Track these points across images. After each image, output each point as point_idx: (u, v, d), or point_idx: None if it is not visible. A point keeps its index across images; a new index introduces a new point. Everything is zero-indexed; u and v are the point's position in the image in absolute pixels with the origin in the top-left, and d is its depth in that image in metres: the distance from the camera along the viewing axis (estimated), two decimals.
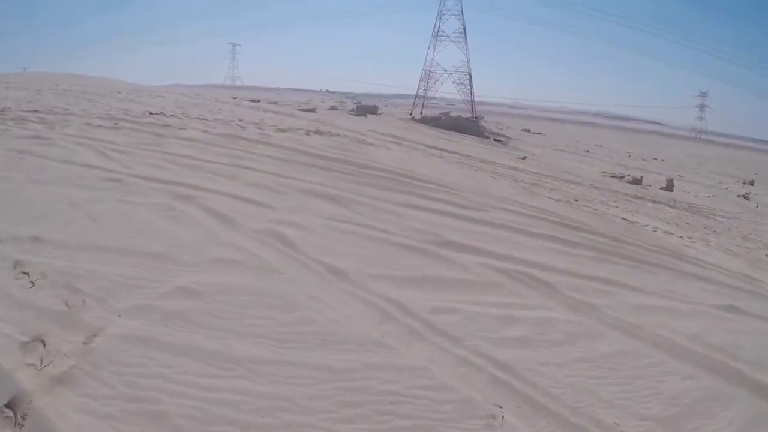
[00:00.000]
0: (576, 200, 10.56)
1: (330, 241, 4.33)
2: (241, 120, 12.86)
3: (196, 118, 12.38)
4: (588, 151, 29.51)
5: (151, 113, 12.47)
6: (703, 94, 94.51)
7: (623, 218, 9.44)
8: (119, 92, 19.21)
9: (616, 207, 11.05)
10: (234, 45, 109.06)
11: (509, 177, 12.53)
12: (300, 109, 23.31)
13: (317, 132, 12.59)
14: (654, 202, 13.48)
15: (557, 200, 9.86)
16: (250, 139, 9.40)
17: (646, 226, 9.25)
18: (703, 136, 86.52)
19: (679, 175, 22.71)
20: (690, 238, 9.15)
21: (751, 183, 24.43)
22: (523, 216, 6.92)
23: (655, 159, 31.13)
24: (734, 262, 7.89)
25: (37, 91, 17.78)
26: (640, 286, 4.82)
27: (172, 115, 12.32)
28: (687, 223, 11.00)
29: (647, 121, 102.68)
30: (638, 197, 13.71)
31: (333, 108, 29.91)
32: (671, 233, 9.13)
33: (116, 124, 10.38)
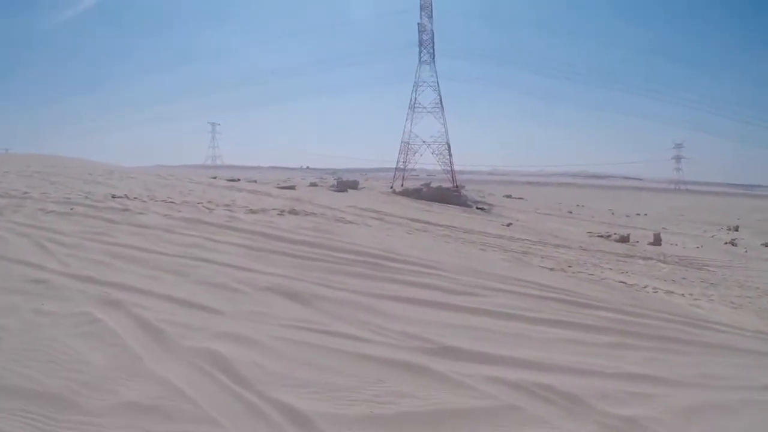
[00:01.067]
0: (569, 266, 10.18)
1: (290, 365, 3.26)
2: (210, 201, 12.01)
3: (162, 200, 11.52)
4: (571, 212, 29.49)
5: (113, 196, 11.63)
6: (679, 146, 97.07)
7: (621, 282, 9.05)
8: (90, 174, 18.49)
9: (610, 269, 10.54)
10: (214, 125, 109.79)
11: (498, 247, 12.12)
12: (279, 187, 22.71)
13: (292, 212, 11.78)
14: (645, 258, 13.19)
15: (551, 269, 9.34)
16: (214, 224, 8.49)
17: (645, 287, 8.73)
18: (682, 187, 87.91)
19: (664, 228, 22.74)
20: (691, 294, 8.77)
21: (736, 229, 24.50)
22: (523, 297, 6.04)
23: (638, 214, 31.24)
24: (742, 316, 7.57)
25: (5, 172, 17.17)
26: (674, 376, 3.98)
27: (135, 198, 11.46)
28: (683, 278, 10.67)
29: (625, 177, 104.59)
30: (628, 255, 13.44)
31: (313, 184, 29.34)
32: (672, 292, 8.65)
33: (71, 209, 9.57)
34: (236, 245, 6.89)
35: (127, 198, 11.41)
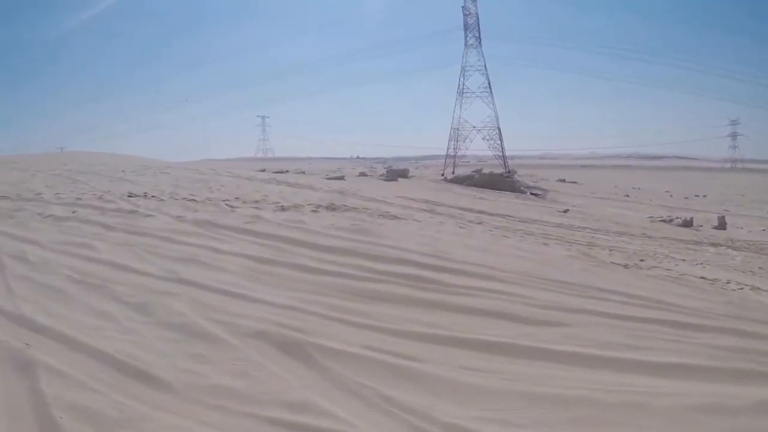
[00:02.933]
0: (641, 260, 8.90)
1: None
2: (237, 198, 10.75)
3: (184, 198, 10.35)
4: (628, 196, 28.54)
5: (130, 195, 10.56)
6: (734, 122, 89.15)
7: (702, 277, 7.83)
8: (123, 171, 17.83)
9: (683, 260, 9.62)
10: (263, 117, 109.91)
11: (560, 239, 11.09)
12: (328, 178, 21.75)
13: (330, 207, 10.33)
14: (714, 245, 12.54)
15: (625, 266, 7.97)
16: (229, 227, 7.09)
17: (728, 282, 7.65)
18: (739, 165, 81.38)
19: (726, 210, 21.83)
20: None
21: None
22: (617, 321, 4.36)
23: (697, 196, 30.12)
24: None
25: (37, 171, 16.82)
26: None
27: (153, 197, 10.34)
28: (760, 268, 9.94)
29: (679, 157, 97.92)
30: (696, 242, 12.87)
31: (363, 174, 28.26)
32: (759, 288, 7.52)
33: (73, 212, 8.57)
34: (243, 257, 5.43)
35: (145, 197, 10.30)
